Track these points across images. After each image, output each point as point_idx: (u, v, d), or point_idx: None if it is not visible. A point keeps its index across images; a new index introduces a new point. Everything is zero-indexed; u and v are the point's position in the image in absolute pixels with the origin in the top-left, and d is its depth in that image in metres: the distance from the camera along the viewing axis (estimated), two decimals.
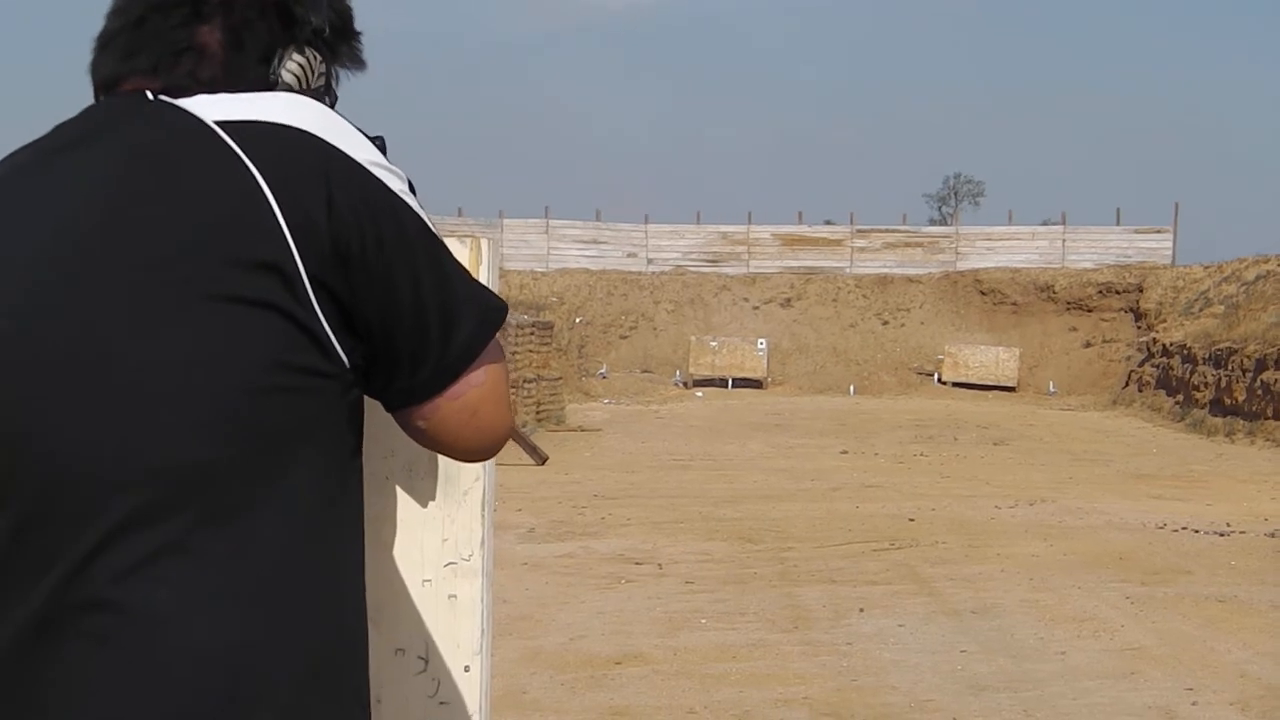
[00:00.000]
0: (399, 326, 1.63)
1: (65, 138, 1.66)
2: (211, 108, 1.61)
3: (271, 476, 1.54)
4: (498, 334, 1.73)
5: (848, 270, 43.85)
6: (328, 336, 1.57)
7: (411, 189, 1.71)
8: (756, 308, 42.62)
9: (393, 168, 1.67)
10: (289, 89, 1.72)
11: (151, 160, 1.58)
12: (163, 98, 1.64)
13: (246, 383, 1.51)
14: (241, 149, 1.56)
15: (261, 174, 1.55)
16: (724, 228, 44.87)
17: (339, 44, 1.84)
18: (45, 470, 1.50)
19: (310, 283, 1.54)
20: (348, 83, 1.90)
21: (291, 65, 1.74)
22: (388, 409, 1.72)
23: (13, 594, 1.51)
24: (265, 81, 1.71)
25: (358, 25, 1.90)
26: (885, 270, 43.67)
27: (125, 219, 1.54)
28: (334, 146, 1.61)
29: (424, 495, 2.02)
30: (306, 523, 1.58)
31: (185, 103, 1.62)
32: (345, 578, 1.65)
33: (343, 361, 1.59)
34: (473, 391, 1.69)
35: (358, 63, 1.90)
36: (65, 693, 1.49)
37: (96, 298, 1.51)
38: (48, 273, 1.54)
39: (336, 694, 1.60)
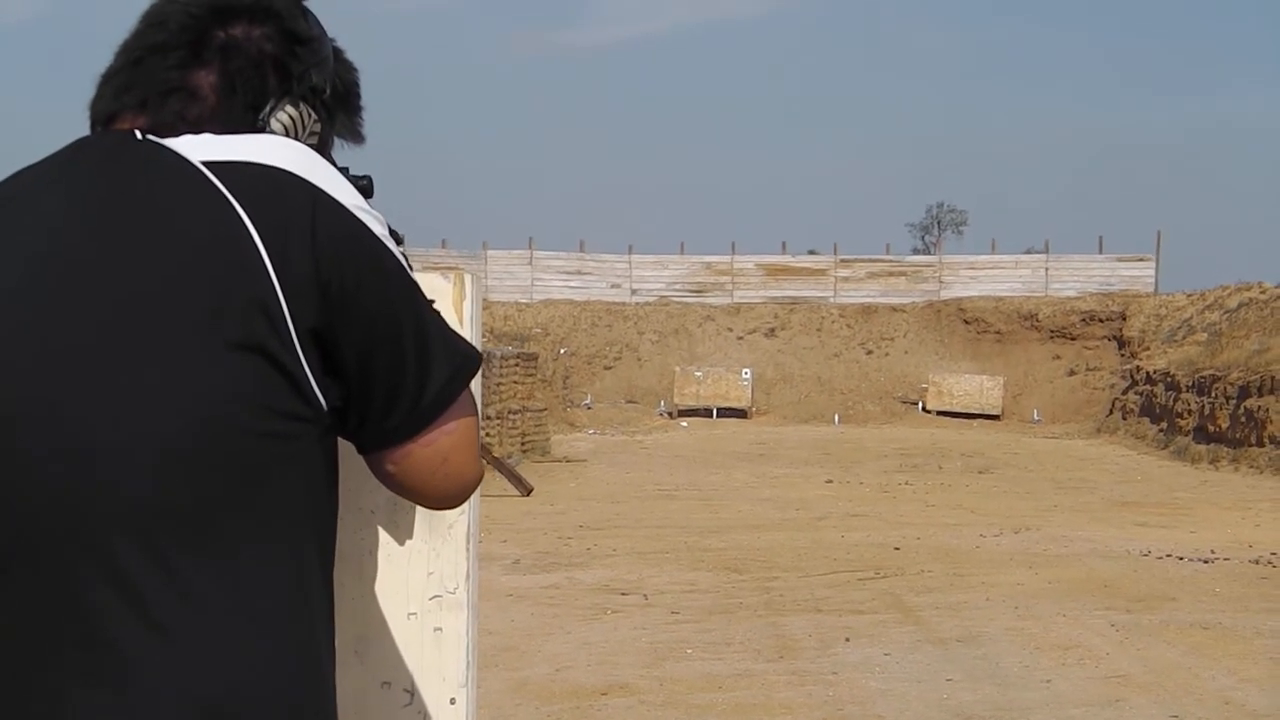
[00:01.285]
0: (376, 367, 1.64)
1: (51, 173, 1.67)
2: (198, 148, 1.62)
3: (247, 518, 1.55)
4: (474, 379, 1.75)
5: (831, 300, 43.91)
6: (308, 380, 1.58)
7: (396, 238, 1.73)
8: (741, 338, 42.66)
9: (374, 213, 1.68)
10: None
11: (136, 200, 1.59)
12: (150, 137, 1.65)
13: (226, 425, 1.52)
14: (228, 190, 1.57)
15: (247, 214, 1.56)
16: (708, 258, 44.90)
17: (337, 110, 1.87)
18: (25, 507, 1.50)
19: (294, 323, 1.55)
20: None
21: (282, 116, 1.76)
22: (360, 451, 1.73)
23: None
24: (252, 127, 1.73)
25: (363, 101, 1.94)
26: (869, 300, 43.72)
27: (107, 258, 1.55)
28: (319, 187, 1.62)
29: (408, 529, 2.04)
30: (283, 563, 1.59)
31: (172, 143, 1.63)
32: (318, 616, 1.65)
33: (320, 405, 1.60)
34: (444, 439, 1.70)
35: (356, 136, 1.94)
36: None
37: (73, 338, 1.52)
38: (23, 311, 1.54)
39: None
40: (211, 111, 1.71)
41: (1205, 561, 13.54)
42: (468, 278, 2.03)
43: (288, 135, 1.75)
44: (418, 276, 1.95)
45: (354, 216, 1.64)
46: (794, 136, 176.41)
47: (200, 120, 1.70)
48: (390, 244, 1.69)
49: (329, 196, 1.62)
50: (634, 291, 44.04)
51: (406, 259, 1.97)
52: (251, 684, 1.53)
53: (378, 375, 1.64)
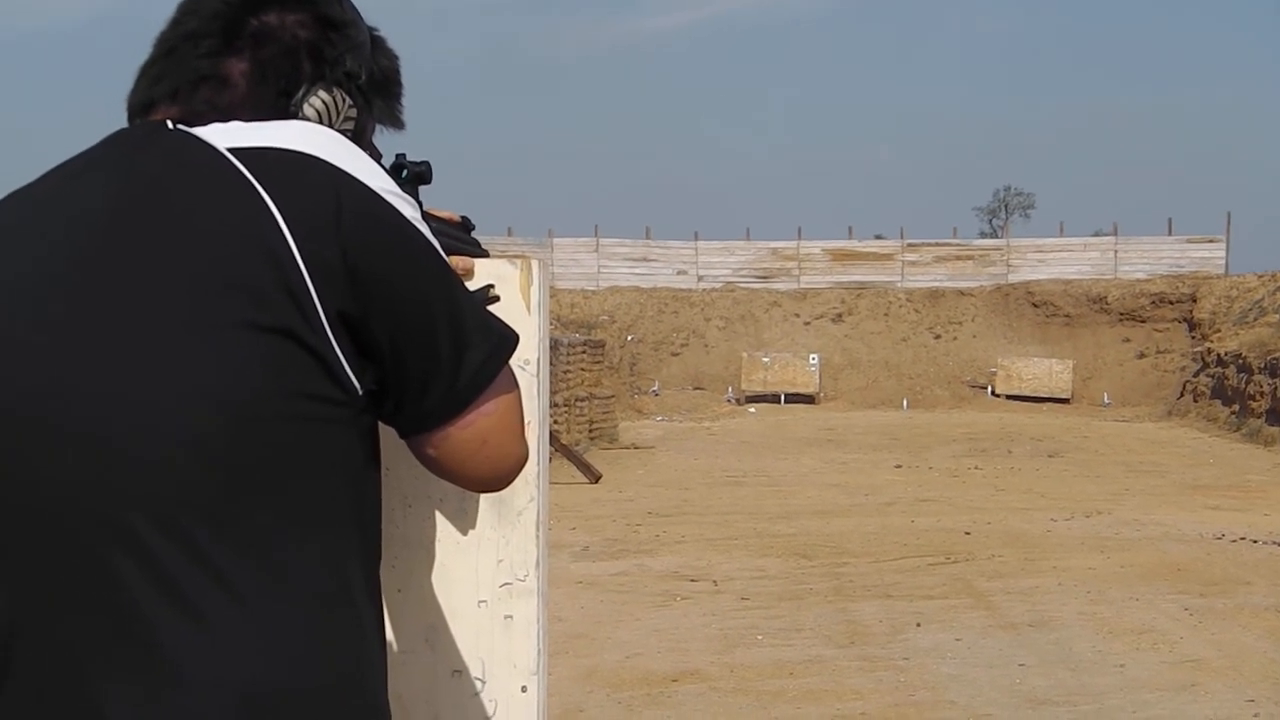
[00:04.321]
0: (409, 349, 1.63)
1: (83, 165, 1.68)
2: (225, 135, 1.63)
3: (281, 503, 1.55)
4: (511, 361, 1.74)
5: (898, 284, 43.69)
6: (340, 363, 1.57)
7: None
8: (808, 323, 42.52)
9: (405, 195, 1.68)
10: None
11: (163, 189, 1.59)
12: (180, 126, 1.65)
13: (253, 410, 1.52)
14: (253, 176, 1.57)
15: (273, 200, 1.56)
16: (774, 243, 44.77)
17: (375, 96, 1.86)
18: (51, 490, 1.51)
19: (323, 307, 1.55)
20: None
21: (315, 101, 1.76)
22: (400, 435, 1.73)
23: (29, 630, 1.53)
24: (284, 113, 1.73)
25: (403, 88, 1.93)
26: (936, 284, 43.47)
27: (134, 248, 1.56)
28: (345, 172, 1.61)
29: (475, 516, 2.03)
30: (321, 549, 1.58)
31: (200, 131, 1.64)
32: (360, 602, 1.65)
33: (355, 388, 1.60)
34: (483, 420, 1.70)
35: (395, 122, 1.93)
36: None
37: (99, 326, 1.53)
38: (50, 300, 1.55)
39: (357, 716, 1.62)
40: (242, 99, 1.72)
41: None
42: (535, 263, 2.02)
43: (321, 121, 1.75)
44: (485, 263, 1.95)
45: (381, 199, 1.63)
46: (859, 121, 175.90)
47: (231, 108, 1.71)
48: (422, 227, 1.67)
49: (355, 180, 1.62)
50: (700, 278, 43.96)
51: (477, 244, 1.97)
52: (293, 674, 1.53)
53: (411, 358, 1.64)
